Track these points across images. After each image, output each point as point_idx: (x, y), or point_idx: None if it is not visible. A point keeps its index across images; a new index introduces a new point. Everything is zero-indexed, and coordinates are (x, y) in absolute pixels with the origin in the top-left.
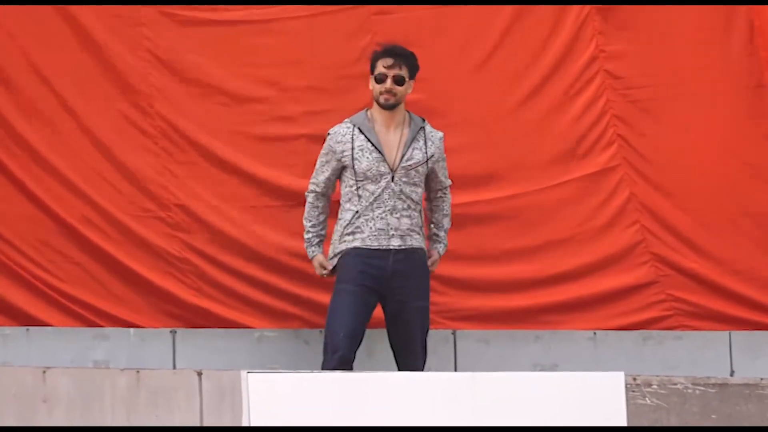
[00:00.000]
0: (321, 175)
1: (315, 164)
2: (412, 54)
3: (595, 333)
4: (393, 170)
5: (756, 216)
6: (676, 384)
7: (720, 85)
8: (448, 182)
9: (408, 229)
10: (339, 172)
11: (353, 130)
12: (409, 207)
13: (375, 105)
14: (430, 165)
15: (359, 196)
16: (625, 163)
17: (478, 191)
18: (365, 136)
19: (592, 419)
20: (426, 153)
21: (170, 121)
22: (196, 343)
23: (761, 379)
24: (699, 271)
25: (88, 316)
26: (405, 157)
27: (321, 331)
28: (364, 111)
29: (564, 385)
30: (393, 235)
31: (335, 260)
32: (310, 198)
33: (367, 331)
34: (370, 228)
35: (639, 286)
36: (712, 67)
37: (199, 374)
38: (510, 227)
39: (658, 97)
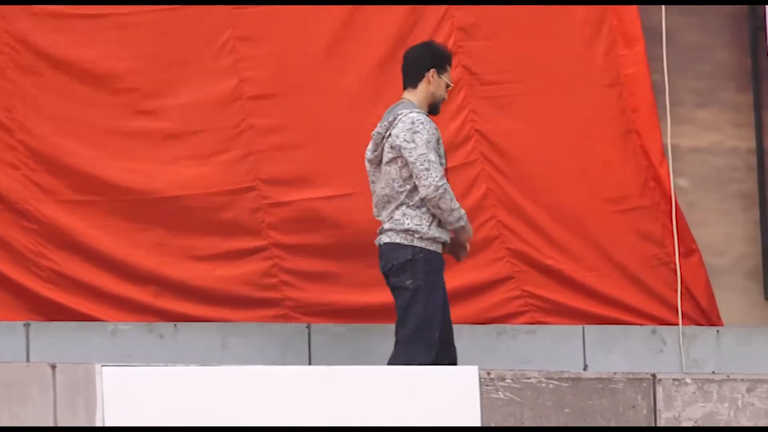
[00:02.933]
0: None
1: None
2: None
3: None
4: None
5: (611, 213)
6: (529, 378)
7: (578, 82)
8: None
9: None
10: None
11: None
12: None
13: (424, 104)
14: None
15: None
16: (482, 159)
17: (333, 185)
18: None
19: (446, 413)
20: None
21: (28, 114)
22: (50, 337)
23: (614, 373)
24: (554, 267)
25: None
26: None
27: (176, 325)
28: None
29: (418, 379)
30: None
31: (436, 247)
32: (446, 186)
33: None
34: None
35: (494, 282)
36: (571, 64)
37: (53, 367)
38: (367, 222)
39: (516, 93)
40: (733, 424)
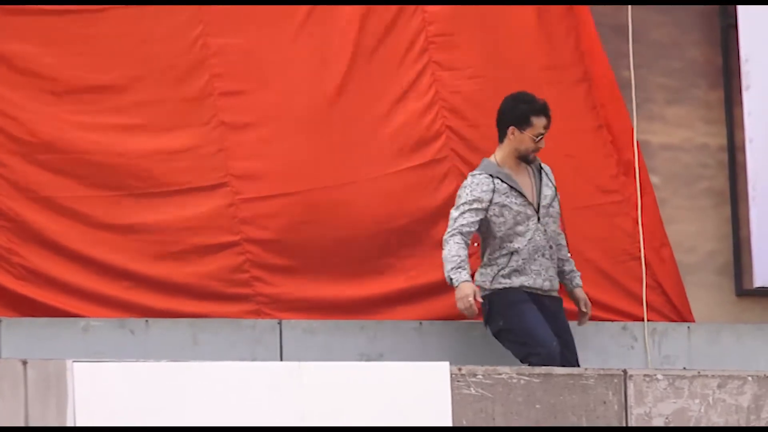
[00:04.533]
0: None
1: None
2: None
3: (420, 323)
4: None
5: (582, 208)
6: (501, 374)
7: (547, 79)
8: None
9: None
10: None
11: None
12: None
13: (509, 156)
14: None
15: None
16: (453, 155)
17: (303, 180)
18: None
19: (417, 409)
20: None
21: None
22: (21, 333)
23: (585, 369)
24: None
25: None
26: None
27: (147, 321)
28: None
29: (390, 374)
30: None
31: (506, 284)
32: (448, 239)
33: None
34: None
35: None
36: (540, 60)
37: (24, 363)
38: (337, 217)
39: (487, 89)
40: (704, 421)
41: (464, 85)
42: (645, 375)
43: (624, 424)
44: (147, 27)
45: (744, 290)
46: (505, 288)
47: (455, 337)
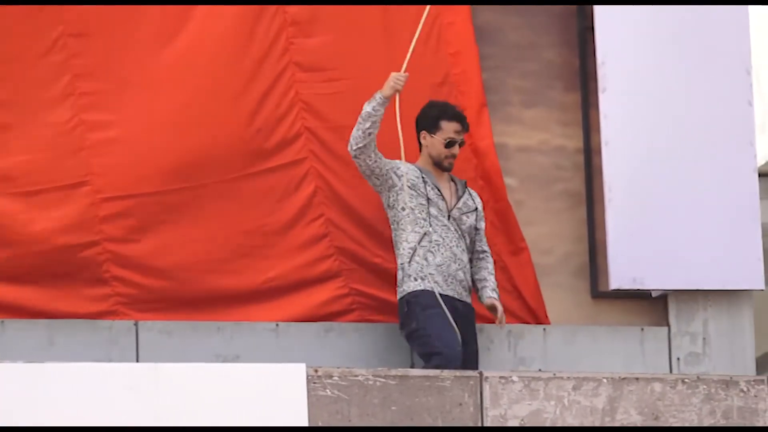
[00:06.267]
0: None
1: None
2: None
3: (277, 324)
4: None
5: None
6: (357, 376)
7: (410, 81)
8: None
9: None
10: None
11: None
12: None
13: (427, 161)
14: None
15: None
16: (312, 156)
17: (162, 181)
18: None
19: (273, 410)
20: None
21: None
22: None
23: (441, 371)
24: (382, 266)
25: None
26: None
27: (3, 322)
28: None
29: (246, 376)
30: None
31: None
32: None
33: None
34: None
35: (323, 280)
36: (401, 63)
37: None
38: (195, 218)
39: (347, 91)
40: (560, 422)
41: (324, 86)
42: (500, 377)
43: (480, 426)
44: (7, 27)
45: (600, 292)
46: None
47: (312, 339)
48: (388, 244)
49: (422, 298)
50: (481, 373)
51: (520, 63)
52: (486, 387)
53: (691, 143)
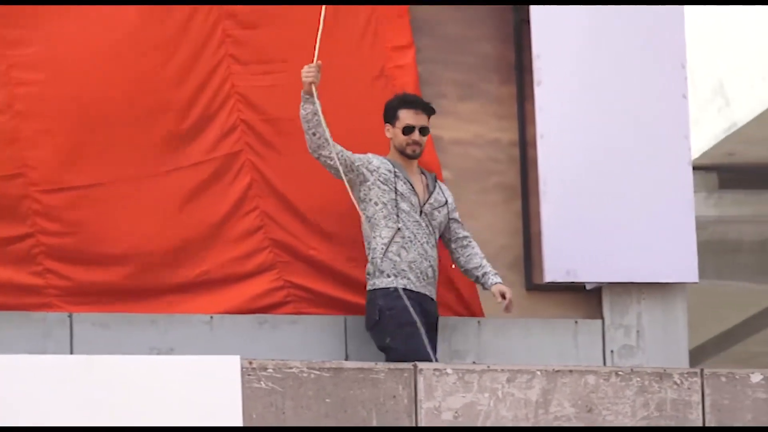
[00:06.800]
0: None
1: None
2: (430, 104)
3: (211, 317)
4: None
5: None
6: (291, 368)
7: (348, 74)
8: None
9: None
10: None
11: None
12: None
13: (394, 153)
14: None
15: None
16: (247, 149)
17: (96, 173)
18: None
19: (208, 402)
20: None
21: None
22: None
23: (375, 363)
24: (317, 258)
25: None
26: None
27: None
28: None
29: (180, 368)
30: None
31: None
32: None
33: None
34: None
35: (257, 272)
36: (341, 56)
37: None
38: (130, 211)
39: (284, 84)
40: (493, 414)
41: (260, 79)
42: (435, 369)
43: (414, 418)
44: None
45: (534, 285)
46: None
47: (246, 332)
48: (324, 237)
49: (396, 313)
50: (415, 366)
51: (455, 56)
52: (420, 379)
53: (626, 136)
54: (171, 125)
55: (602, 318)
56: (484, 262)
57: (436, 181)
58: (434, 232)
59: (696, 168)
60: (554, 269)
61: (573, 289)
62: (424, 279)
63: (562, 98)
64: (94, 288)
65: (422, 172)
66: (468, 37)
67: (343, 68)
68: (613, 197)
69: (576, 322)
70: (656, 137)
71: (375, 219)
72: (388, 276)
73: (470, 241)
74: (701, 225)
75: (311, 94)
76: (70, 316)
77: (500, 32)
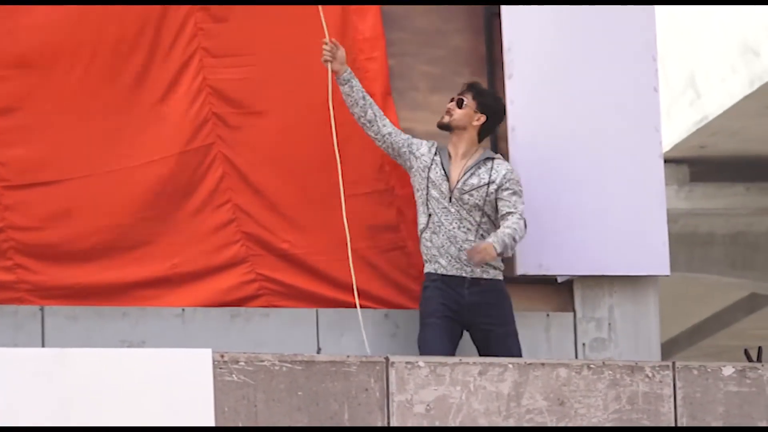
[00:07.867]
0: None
1: None
2: (485, 89)
3: (183, 310)
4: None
5: (347, 197)
6: (263, 361)
7: (316, 69)
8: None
9: None
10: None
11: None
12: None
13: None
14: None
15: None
16: (219, 141)
17: (67, 168)
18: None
19: (180, 395)
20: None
21: None
22: None
23: (347, 356)
24: (289, 251)
25: None
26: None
27: None
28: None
29: (152, 361)
30: None
31: None
32: None
33: None
34: None
35: (229, 265)
36: (310, 50)
37: None
38: (99, 205)
39: (256, 77)
40: (465, 407)
41: (232, 72)
42: (407, 362)
43: (386, 411)
44: None
45: (505, 278)
46: None
47: (218, 325)
48: (296, 230)
49: (423, 303)
50: (387, 359)
51: (426, 49)
52: (392, 372)
53: (596, 129)
54: (142, 119)
55: (574, 311)
56: (500, 230)
57: (480, 163)
58: (469, 215)
59: (667, 161)
60: (526, 262)
61: (544, 282)
62: (457, 262)
63: (533, 91)
64: (66, 282)
65: (472, 156)
66: (439, 30)
67: (310, 60)
68: (584, 190)
69: (548, 315)
70: (627, 130)
71: (417, 204)
72: (427, 261)
73: (509, 216)
74: (672, 218)
75: (338, 73)
76: (41, 309)
77: (471, 25)
